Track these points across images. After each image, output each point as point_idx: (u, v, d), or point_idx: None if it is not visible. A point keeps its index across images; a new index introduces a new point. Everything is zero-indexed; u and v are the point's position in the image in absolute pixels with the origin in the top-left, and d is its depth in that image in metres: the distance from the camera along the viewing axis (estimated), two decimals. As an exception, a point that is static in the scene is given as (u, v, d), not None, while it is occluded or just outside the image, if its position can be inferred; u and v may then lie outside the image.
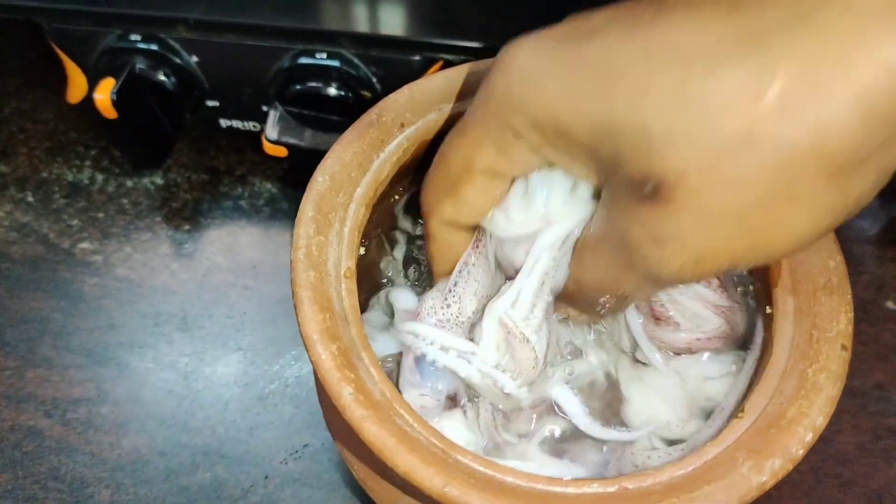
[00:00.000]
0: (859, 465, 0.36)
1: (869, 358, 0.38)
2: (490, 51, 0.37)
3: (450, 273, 0.27)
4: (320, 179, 0.27)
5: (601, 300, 0.25)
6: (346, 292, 0.26)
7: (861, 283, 0.41)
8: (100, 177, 0.45)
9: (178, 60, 0.40)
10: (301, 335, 0.24)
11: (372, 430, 0.22)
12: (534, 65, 0.22)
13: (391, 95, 0.30)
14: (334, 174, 0.28)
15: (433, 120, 0.30)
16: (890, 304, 0.40)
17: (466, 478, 0.22)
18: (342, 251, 0.26)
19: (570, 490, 0.22)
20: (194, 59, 0.40)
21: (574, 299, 0.27)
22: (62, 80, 0.43)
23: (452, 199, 0.26)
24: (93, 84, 0.42)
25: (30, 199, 0.44)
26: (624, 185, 0.22)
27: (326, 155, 0.28)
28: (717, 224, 0.20)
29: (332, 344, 0.24)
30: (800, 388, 0.23)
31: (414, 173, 0.31)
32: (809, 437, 0.22)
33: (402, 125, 0.30)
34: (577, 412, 0.27)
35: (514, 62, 0.23)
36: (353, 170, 0.28)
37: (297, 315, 0.24)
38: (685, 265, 0.21)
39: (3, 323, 0.39)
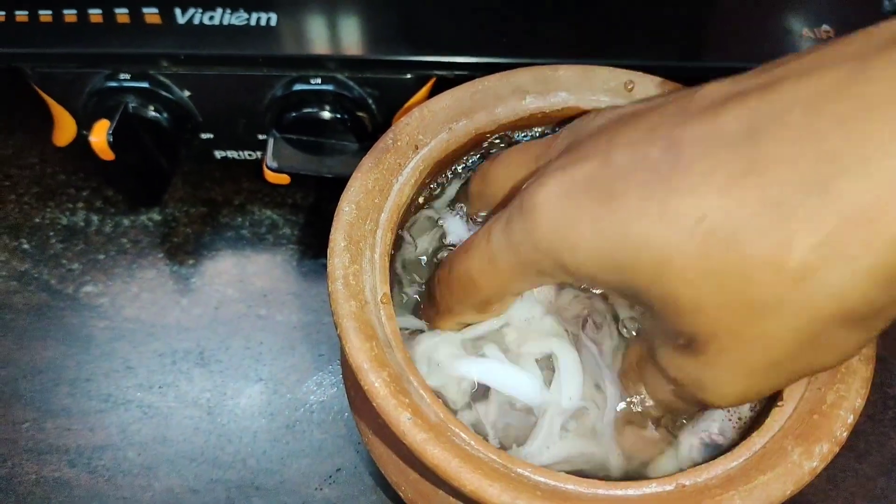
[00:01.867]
0: (872, 434, 0.38)
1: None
2: (481, 65, 0.38)
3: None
4: (347, 209, 0.28)
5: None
6: (386, 318, 0.26)
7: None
8: (95, 218, 0.44)
9: (169, 96, 0.40)
10: (350, 365, 0.24)
11: (435, 453, 0.23)
12: (564, 223, 0.22)
13: (404, 119, 0.31)
14: (359, 202, 0.28)
15: (444, 140, 0.31)
16: None
17: (532, 490, 0.22)
18: (376, 278, 0.27)
19: (631, 492, 0.23)
20: (186, 93, 0.40)
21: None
22: (44, 122, 0.42)
23: (478, 311, 0.27)
24: (82, 126, 0.41)
25: (25, 246, 0.43)
26: (657, 330, 0.23)
27: (349, 183, 0.29)
28: (752, 373, 0.21)
29: (383, 371, 0.24)
30: (835, 372, 0.24)
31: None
32: (851, 419, 0.23)
33: (417, 147, 0.30)
34: None
35: (544, 216, 0.22)
36: (376, 196, 0.29)
37: (343, 346, 0.25)
38: (730, 404, 0.23)
39: (15, 375, 0.38)
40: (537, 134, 0.33)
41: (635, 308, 0.26)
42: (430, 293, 0.28)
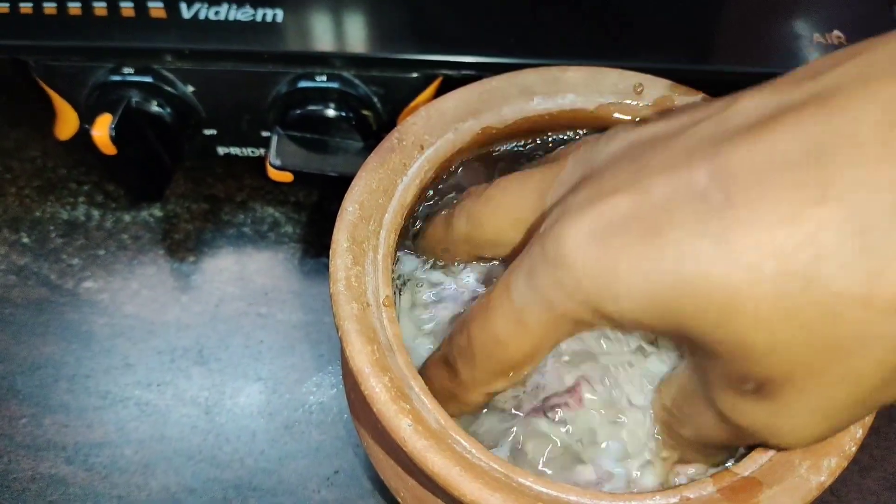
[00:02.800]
0: (877, 448, 0.37)
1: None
2: (488, 65, 0.38)
3: None
4: (350, 209, 0.27)
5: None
6: (388, 321, 0.26)
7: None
8: (96, 213, 0.44)
9: (173, 91, 0.40)
10: (351, 369, 0.24)
11: (436, 461, 0.22)
12: (601, 264, 0.19)
13: (409, 118, 0.30)
14: (363, 202, 0.28)
15: (450, 140, 0.31)
16: None
17: (534, 501, 0.22)
18: (378, 280, 0.26)
19: None
20: (190, 88, 0.40)
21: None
22: (46, 115, 0.42)
23: (508, 377, 0.24)
24: (85, 120, 0.41)
25: (25, 240, 0.43)
26: (718, 373, 0.20)
27: (353, 183, 0.28)
28: (833, 413, 0.19)
29: (385, 376, 0.24)
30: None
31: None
32: (860, 434, 0.23)
33: (422, 147, 0.30)
34: None
35: (578, 260, 0.20)
36: (380, 196, 0.28)
37: (344, 349, 0.24)
38: (803, 443, 0.21)
39: (13, 371, 0.38)
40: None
41: (682, 349, 0.23)
42: (446, 364, 0.25)
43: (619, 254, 0.19)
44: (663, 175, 0.19)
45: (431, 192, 0.31)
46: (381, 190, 0.28)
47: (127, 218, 0.43)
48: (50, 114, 0.42)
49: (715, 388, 0.21)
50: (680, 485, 0.23)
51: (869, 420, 0.23)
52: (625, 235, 0.19)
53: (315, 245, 0.43)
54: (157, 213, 0.44)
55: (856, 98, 0.17)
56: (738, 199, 0.18)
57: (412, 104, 0.40)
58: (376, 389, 0.23)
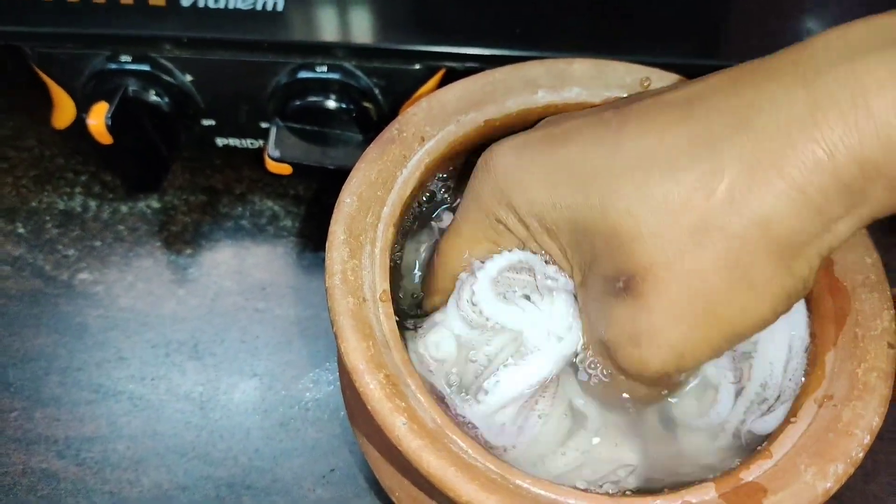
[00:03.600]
0: (882, 453, 0.36)
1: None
2: (492, 58, 0.37)
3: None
4: (348, 200, 0.27)
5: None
6: (384, 316, 0.25)
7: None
8: (93, 203, 0.43)
9: (171, 80, 0.39)
10: (346, 366, 0.23)
11: (431, 461, 0.21)
12: (516, 165, 0.25)
13: (410, 109, 0.29)
14: (361, 194, 0.27)
15: (452, 132, 0.30)
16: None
17: (531, 503, 0.21)
18: (376, 274, 0.26)
19: (635, 508, 0.22)
20: (188, 77, 0.39)
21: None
22: (44, 104, 0.41)
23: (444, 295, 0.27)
24: (82, 108, 0.40)
25: (21, 230, 0.42)
26: (599, 282, 0.24)
27: (351, 174, 0.28)
28: (686, 316, 0.22)
29: (380, 373, 0.23)
30: (852, 388, 0.23)
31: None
32: (868, 440, 0.22)
33: (423, 139, 0.29)
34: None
35: (499, 163, 0.25)
36: (379, 188, 0.28)
37: (339, 345, 0.24)
38: (666, 363, 0.23)
39: (4, 363, 0.37)
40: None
41: (581, 271, 0.26)
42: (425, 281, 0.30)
43: (530, 155, 0.24)
44: (579, 118, 0.25)
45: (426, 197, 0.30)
46: (379, 182, 0.28)
47: (124, 209, 0.43)
48: (47, 102, 0.41)
49: (594, 303, 0.24)
50: (682, 489, 0.22)
51: (877, 424, 0.22)
52: (537, 145, 0.25)
53: (314, 239, 0.42)
54: (155, 204, 0.43)
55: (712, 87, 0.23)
56: (627, 121, 0.23)
57: (414, 96, 0.39)
58: (371, 386, 0.23)
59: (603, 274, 0.23)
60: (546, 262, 0.26)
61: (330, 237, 0.26)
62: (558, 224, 0.24)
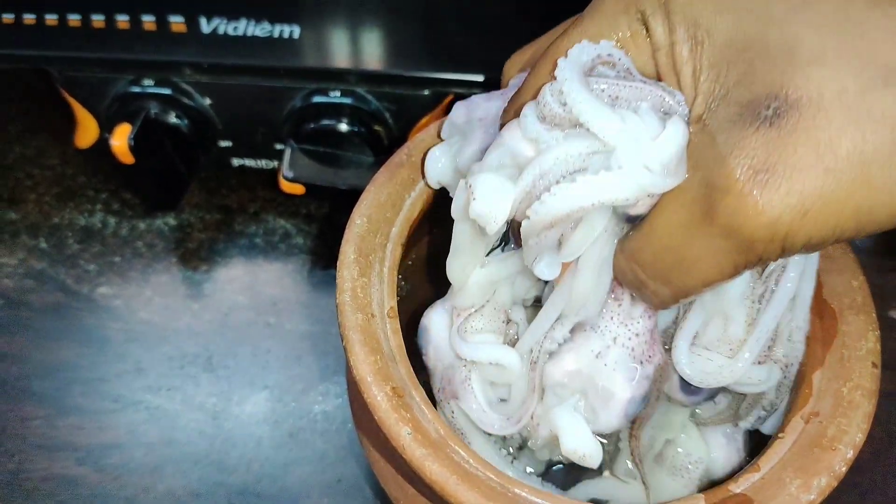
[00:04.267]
0: (876, 472, 0.37)
1: (880, 366, 0.39)
2: (496, 84, 0.39)
3: None
4: (359, 221, 0.28)
5: (651, 287, 0.23)
6: (392, 332, 0.26)
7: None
8: (112, 220, 0.45)
9: (191, 103, 0.41)
10: (355, 378, 0.25)
11: (434, 469, 0.23)
12: None
13: (419, 135, 0.31)
14: (371, 215, 0.28)
15: (458, 156, 0.31)
16: (893, 314, 0.42)
17: (529, 511, 0.22)
18: (384, 291, 0.27)
19: (627, 517, 0.23)
20: (207, 101, 0.41)
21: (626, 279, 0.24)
22: (66, 124, 0.43)
23: None
24: (105, 129, 0.42)
25: (43, 245, 0.44)
26: (733, 110, 0.20)
27: (362, 196, 0.29)
28: (837, 166, 0.18)
29: (387, 385, 0.24)
30: (837, 406, 0.24)
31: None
32: (851, 455, 0.23)
33: (430, 163, 0.31)
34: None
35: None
36: (388, 210, 0.29)
37: (348, 358, 0.25)
38: (783, 217, 0.19)
39: (30, 373, 0.39)
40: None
41: (705, 100, 0.21)
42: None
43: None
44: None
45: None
46: (389, 204, 0.29)
47: (142, 226, 0.45)
48: (70, 123, 0.43)
49: (715, 135, 0.20)
50: (672, 501, 0.23)
51: (860, 440, 0.24)
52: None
53: (324, 257, 0.44)
54: (172, 221, 0.45)
55: None
56: None
57: (423, 120, 0.41)
58: (378, 398, 0.24)
59: (744, 100, 0.19)
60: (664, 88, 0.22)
61: (341, 256, 0.27)
62: (713, 33, 0.20)
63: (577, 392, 0.25)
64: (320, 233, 0.45)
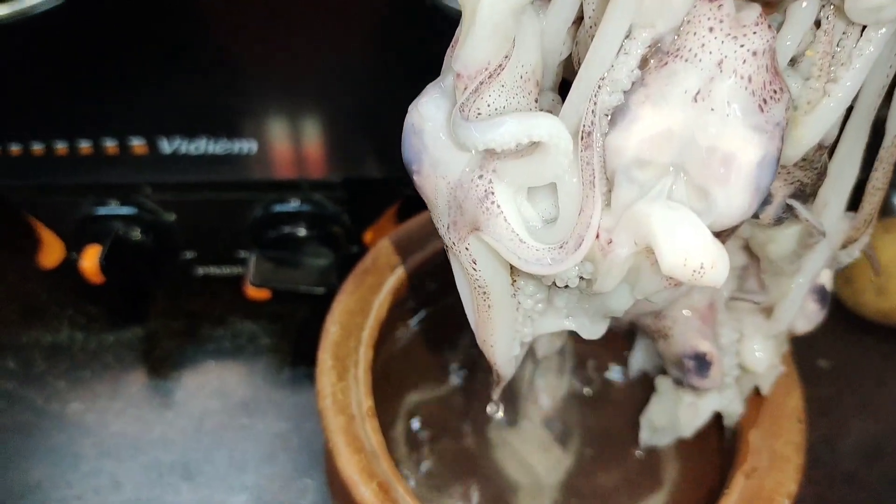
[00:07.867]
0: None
1: (812, 415, 0.43)
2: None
3: None
4: (332, 329, 0.31)
5: None
6: (372, 430, 0.29)
7: (792, 342, 0.46)
8: (79, 335, 0.46)
9: (156, 220, 0.43)
10: (340, 477, 0.27)
11: (423, 559, 0.25)
12: None
13: (380, 242, 0.34)
14: (343, 322, 0.31)
15: (418, 258, 0.34)
16: (821, 363, 0.46)
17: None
18: (361, 392, 0.29)
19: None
20: (172, 216, 0.43)
21: None
22: (25, 242, 0.44)
23: None
24: (72, 249, 0.44)
25: (11, 365, 0.44)
26: None
27: (333, 305, 0.32)
28: None
29: (372, 482, 0.26)
30: (772, 461, 0.28)
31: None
32: (788, 504, 0.26)
33: (393, 267, 0.34)
34: None
35: None
36: (358, 315, 0.32)
37: (335, 459, 0.27)
38: None
39: (3, 497, 0.39)
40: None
41: None
42: None
43: None
44: None
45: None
46: (358, 309, 0.32)
47: (110, 339, 0.46)
48: (30, 241, 0.44)
49: None
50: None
51: (794, 490, 0.27)
52: None
53: (291, 354, 0.46)
54: (139, 331, 0.46)
55: None
56: None
57: (379, 220, 0.44)
58: (366, 495, 0.26)
59: None
60: None
61: (319, 364, 0.29)
62: None
63: (668, 170, 0.17)
64: (284, 330, 0.46)
